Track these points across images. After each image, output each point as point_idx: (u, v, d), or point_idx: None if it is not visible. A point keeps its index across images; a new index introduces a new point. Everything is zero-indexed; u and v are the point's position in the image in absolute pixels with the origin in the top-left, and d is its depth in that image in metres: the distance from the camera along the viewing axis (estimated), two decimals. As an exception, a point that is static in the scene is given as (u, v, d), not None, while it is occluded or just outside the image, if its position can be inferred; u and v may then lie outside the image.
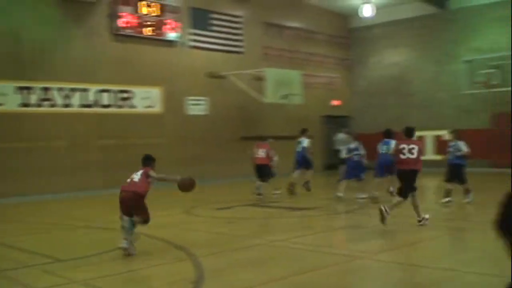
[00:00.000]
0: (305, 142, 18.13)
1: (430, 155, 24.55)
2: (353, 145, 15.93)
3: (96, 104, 19.87)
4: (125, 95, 20.66)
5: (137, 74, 20.96)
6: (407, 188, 10.67)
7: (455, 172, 13.67)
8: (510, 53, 21.55)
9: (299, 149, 18.15)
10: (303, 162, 17.91)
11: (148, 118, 21.29)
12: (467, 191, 13.82)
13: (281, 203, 15.26)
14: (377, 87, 28.49)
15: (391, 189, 14.92)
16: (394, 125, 26.84)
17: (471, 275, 7.04)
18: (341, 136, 22.28)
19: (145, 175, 8.92)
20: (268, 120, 25.06)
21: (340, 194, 15.53)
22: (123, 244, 8.56)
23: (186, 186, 8.85)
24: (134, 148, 20.53)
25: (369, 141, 24.31)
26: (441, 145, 24.67)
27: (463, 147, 13.77)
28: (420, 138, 22.97)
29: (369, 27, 28.64)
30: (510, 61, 21.54)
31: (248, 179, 22.68)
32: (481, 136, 23.77)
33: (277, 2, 25.91)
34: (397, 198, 10.83)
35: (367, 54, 29.04)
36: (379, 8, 26.91)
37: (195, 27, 22.74)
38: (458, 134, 14.16)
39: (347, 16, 29.23)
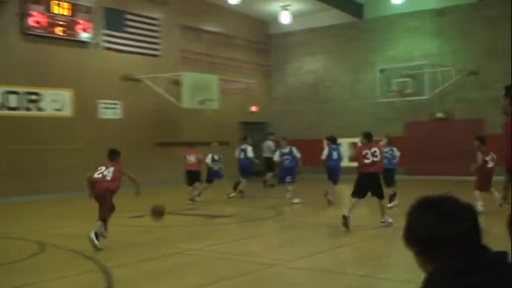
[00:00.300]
0: (249, 150, 19.17)
1: (346, 162, 25.15)
2: (286, 149, 16.73)
3: (2, 106, 19.05)
4: (33, 97, 19.93)
5: (47, 75, 20.28)
6: (380, 189, 11.41)
7: (388, 176, 14.25)
8: (425, 63, 22.44)
9: (241, 156, 19.10)
10: (248, 170, 18.57)
11: (57, 122, 20.62)
12: (393, 195, 14.48)
13: (199, 211, 15.17)
14: (295, 94, 28.95)
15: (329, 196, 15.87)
16: (310, 132, 27.60)
17: (386, 282, 7.24)
18: (268, 143, 22.70)
19: (118, 172, 9.77)
20: (185, 126, 24.90)
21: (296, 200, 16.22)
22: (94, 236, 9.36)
23: (157, 212, 9.85)
24: (42, 153, 19.84)
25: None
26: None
27: (397, 153, 15.17)
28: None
29: (288, 34, 29.09)
30: (423, 71, 22.44)
31: (164, 187, 22.43)
32: (395, 144, 24.56)
33: (195, 6, 25.83)
34: (353, 200, 11.17)
35: (285, 60, 29.46)
36: (297, 15, 27.39)
37: (109, 28, 22.28)
38: (391, 140, 15.55)
39: (266, 22, 29.56)
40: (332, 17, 27.34)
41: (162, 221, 9.99)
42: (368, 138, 11.89)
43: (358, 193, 11.43)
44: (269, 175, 21.37)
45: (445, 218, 2.08)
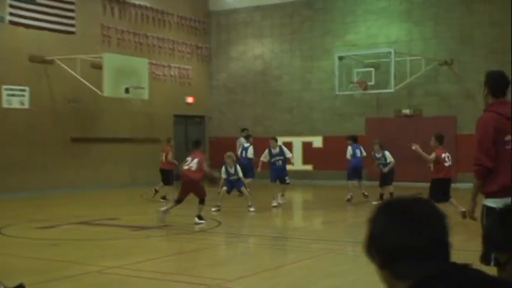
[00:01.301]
0: (250, 150, 20.84)
1: (299, 165, 25.34)
2: (276, 149, 18.16)
3: None
4: None
5: None
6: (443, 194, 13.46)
7: (390, 177, 17.90)
8: (392, 51, 22.71)
9: (242, 154, 20.79)
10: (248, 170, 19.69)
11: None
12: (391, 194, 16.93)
13: (121, 221, 14.95)
14: (239, 83, 28.91)
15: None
16: (258, 128, 27.65)
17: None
18: (242, 140, 22.89)
19: (201, 164, 13.39)
20: (106, 118, 24.51)
21: (277, 202, 17.64)
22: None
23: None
24: None
25: (229, 146, 24.64)
26: (311, 154, 25.59)
27: (390, 157, 18.02)
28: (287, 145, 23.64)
29: (231, 11, 29.02)
30: (388, 59, 22.72)
31: (79, 191, 22.04)
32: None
33: (121, -26, 25.48)
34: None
35: (228, 43, 29.38)
36: (243, -10, 27.42)
37: (15, -2, 21.71)
38: (383, 145, 18.21)
39: (206, -3, 29.46)
40: (284, -7, 27.43)
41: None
42: (441, 140, 14.36)
43: (438, 198, 12.49)
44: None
45: (417, 224, 2.10)
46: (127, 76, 22.20)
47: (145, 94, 23.01)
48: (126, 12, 25.76)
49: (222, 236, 12.79)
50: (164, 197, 19.16)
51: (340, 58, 23.72)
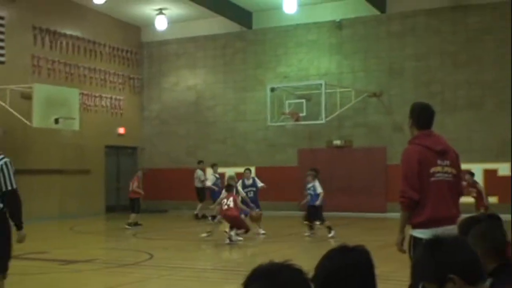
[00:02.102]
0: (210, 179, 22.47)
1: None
2: (249, 181, 18.75)
3: None
4: None
5: None
6: None
7: (314, 213, 17.21)
8: (322, 83, 23.01)
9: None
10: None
11: None
12: (329, 228, 16.88)
13: (49, 255, 14.57)
14: (172, 113, 28.76)
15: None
16: (191, 159, 27.52)
17: None
18: (199, 172, 23.08)
19: (235, 202, 15.98)
20: (36, 149, 23.95)
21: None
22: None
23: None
24: None
25: (162, 178, 24.43)
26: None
27: (319, 188, 17.37)
28: (221, 174, 23.59)
29: (164, 42, 28.94)
30: (319, 91, 23.00)
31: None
32: (288, 174, 25.06)
33: (52, 4, 25.08)
34: None
35: (160, 73, 29.27)
36: (175, 21, 27.36)
37: None
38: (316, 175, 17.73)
39: (139, 28, 29.30)
40: (216, 25, 27.55)
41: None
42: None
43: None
44: (199, 207, 22.94)
45: None
46: (57, 106, 21.85)
47: (75, 125, 22.67)
48: (57, 42, 25.38)
49: (152, 269, 12.59)
50: (134, 224, 20.49)
51: (272, 89, 23.87)
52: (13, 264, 13.14)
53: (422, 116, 6.22)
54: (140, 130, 29.22)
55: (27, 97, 21.71)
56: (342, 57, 25.55)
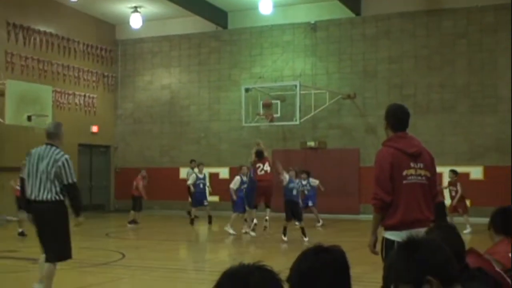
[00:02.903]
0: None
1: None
2: (245, 178, 18.63)
3: None
4: None
5: None
6: None
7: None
8: (297, 84, 23.05)
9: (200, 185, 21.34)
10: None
11: None
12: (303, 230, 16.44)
13: (21, 253, 14.44)
14: (146, 112, 28.66)
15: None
16: (164, 159, 27.46)
17: None
18: (190, 171, 22.94)
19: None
20: (8, 147, 23.71)
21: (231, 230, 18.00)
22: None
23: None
24: None
25: (135, 177, 24.30)
26: (218, 185, 25.52)
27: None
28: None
29: (138, 41, 28.83)
30: (294, 92, 23.05)
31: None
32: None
33: (26, 0, 24.87)
34: None
35: (135, 72, 29.14)
36: (150, 19, 27.27)
37: None
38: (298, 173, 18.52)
39: (113, 25, 29.14)
40: (191, 24, 27.52)
41: None
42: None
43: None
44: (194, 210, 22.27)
45: None
46: (30, 103, 21.66)
47: (48, 122, 22.43)
48: (30, 38, 25.16)
49: (124, 269, 12.53)
50: (132, 221, 21.13)
51: (247, 90, 23.86)
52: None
53: (396, 118, 6.22)
54: (113, 128, 29.07)
55: (0, 93, 21.49)
56: (317, 59, 25.65)
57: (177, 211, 25.16)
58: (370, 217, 6.57)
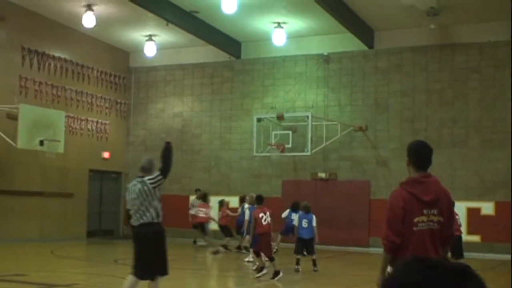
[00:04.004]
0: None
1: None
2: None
3: None
4: None
5: None
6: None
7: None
8: (309, 115, 23.13)
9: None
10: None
11: None
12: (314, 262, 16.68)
13: (29, 277, 14.43)
14: (158, 140, 28.70)
15: None
16: (175, 186, 27.45)
17: None
18: (194, 200, 23.10)
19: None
20: (19, 171, 23.82)
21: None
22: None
23: None
24: None
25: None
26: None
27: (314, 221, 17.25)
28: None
29: (152, 69, 29.02)
30: (306, 123, 23.13)
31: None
32: (273, 204, 24.99)
33: (41, 26, 25.09)
34: None
35: (147, 99, 29.29)
36: (164, 48, 27.46)
37: None
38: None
39: (127, 53, 29.37)
40: (205, 54, 27.68)
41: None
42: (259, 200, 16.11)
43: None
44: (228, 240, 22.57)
45: None
46: (42, 128, 21.80)
47: (60, 147, 22.58)
48: (45, 63, 25.39)
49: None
50: (224, 246, 21.95)
51: (259, 120, 23.96)
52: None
53: (418, 156, 6.10)
54: (125, 155, 29.15)
55: (13, 117, 21.64)
56: (329, 90, 25.72)
57: (190, 239, 25.08)
58: (379, 250, 6.54)
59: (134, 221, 9.60)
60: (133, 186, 9.63)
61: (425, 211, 5.91)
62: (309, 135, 22.79)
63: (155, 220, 9.59)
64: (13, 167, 23.62)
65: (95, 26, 24.02)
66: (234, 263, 19.62)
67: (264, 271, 15.11)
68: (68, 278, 14.58)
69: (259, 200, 16.25)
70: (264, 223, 15.34)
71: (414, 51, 24.41)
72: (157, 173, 9.64)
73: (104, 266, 17.90)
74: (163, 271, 9.72)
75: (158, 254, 9.57)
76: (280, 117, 23.42)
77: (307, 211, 17.47)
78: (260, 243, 15.37)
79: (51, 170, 24.79)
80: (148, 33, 26.46)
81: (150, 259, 9.50)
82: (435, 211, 5.95)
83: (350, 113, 25.29)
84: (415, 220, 5.89)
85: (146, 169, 9.75)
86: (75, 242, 24.48)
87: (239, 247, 21.78)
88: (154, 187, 9.55)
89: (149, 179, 9.55)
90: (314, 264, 16.65)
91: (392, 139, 24.20)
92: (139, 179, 9.62)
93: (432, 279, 2.18)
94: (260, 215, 15.50)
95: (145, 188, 9.50)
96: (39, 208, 24.48)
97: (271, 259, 15.10)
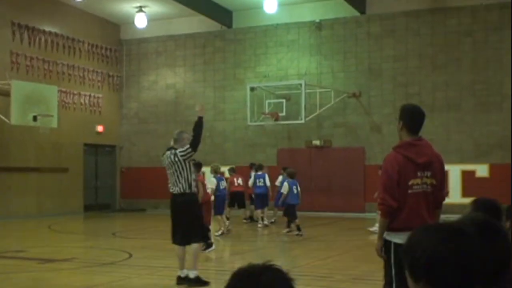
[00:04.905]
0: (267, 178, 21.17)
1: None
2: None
3: None
4: None
5: None
6: None
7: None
8: (302, 83, 23.15)
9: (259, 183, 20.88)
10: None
11: None
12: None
13: (28, 253, 14.53)
14: (151, 112, 28.75)
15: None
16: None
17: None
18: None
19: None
20: (13, 147, 23.84)
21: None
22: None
23: None
24: None
25: (140, 176, 24.38)
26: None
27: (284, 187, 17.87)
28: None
29: (143, 40, 28.91)
30: (299, 91, 23.15)
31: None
32: (268, 173, 25.13)
33: (31, 0, 24.95)
34: None
35: (140, 71, 29.22)
36: (155, 19, 27.33)
37: None
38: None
39: (118, 25, 29.23)
40: (196, 24, 27.59)
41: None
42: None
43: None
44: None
45: None
46: (35, 103, 21.76)
47: (54, 122, 22.57)
48: (35, 38, 25.25)
49: (131, 268, 12.61)
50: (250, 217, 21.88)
51: (252, 89, 23.97)
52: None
53: (412, 120, 6.08)
54: (118, 128, 29.16)
55: (5, 94, 21.59)
56: (322, 58, 25.69)
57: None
58: (373, 215, 6.61)
59: (170, 190, 10.35)
60: (166, 157, 10.29)
61: (419, 173, 5.95)
62: (303, 103, 22.83)
63: (187, 191, 10.10)
64: (8, 144, 23.63)
65: (84, -1, 23.86)
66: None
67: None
68: (67, 253, 14.69)
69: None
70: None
71: (406, 16, 24.35)
72: (187, 145, 10.15)
73: (103, 239, 18.03)
74: (197, 239, 10.32)
75: (190, 223, 10.13)
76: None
77: (294, 177, 18.12)
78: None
79: (45, 146, 24.80)
80: (138, 4, 26.32)
81: (183, 227, 10.09)
82: (429, 174, 6.00)
83: (343, 79, 25.30)
84: (410, 183, 5.93)
85: (176, 140, 10.38)
86: (72, 217, 24.61)
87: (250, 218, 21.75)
88: (184, 159, 10.10)
89: (180, 151, 10.12)
90: (299, 229, 17.37)
91: (385, 104, 24.23)
92: (172, 151, 10.24)
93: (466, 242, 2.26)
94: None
95: (176, 159, 10.11)
96: (36, 184, 24.55)
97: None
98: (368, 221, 19.69)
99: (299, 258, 14.27)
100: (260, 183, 20.66)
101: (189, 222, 10.16)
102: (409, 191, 5.94)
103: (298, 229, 17.37)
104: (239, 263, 2.35)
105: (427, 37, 24.08)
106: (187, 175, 10.18)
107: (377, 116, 24.29)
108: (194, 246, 10.26)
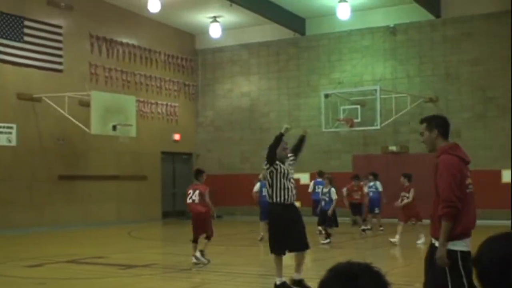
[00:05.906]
0: (378, 184, 21.23)
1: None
2: (326, 189, 18.28)
3: None
4: None
5: None
6: None
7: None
8: (377, 88, 22.80)
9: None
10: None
11: None
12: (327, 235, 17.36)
13: (108, 259, 14.74)
14: (226, 120, 28.90)
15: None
16: (245, 165, 27.57)
17: None
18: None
19: (201, 196, 12.75)
20: (93, 156, 24.35)
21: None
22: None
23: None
24: None
25: (216, 184, 24.49)
26: (298, 190, 25.46)
27: (334, 195, 17.78)
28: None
29: (218, 50, 29.12)
30: (374, 97, 22.82)
31: (67, 229, 21.78)
32: (344, 180, 24.85)
33: (108, 13, 25.47)
34: None
35: (215, 80, 29.44)
36: (229, 29, 27.48)
37: (2, 36, 21.65)
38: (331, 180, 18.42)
39: (193, 35, 29.54)
40: (270, 32, 27.59)
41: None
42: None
43: None
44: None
45: None
46: (114, 113, 22.13)
47: (132, 132, 22.92)
48: (113, 50, 25.78)
49: (210, 274, 12.61)
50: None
51: (326, 95, 23.79)
52: (73, 268, 13.42)
53: (446, 128, 6.25)
54: (195, 136, 29.44)
55: (85, 104, 22.07)
56: (397, 63, 25.29)
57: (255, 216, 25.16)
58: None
59: (282, 199, 10.74)
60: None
61: (468, 173, 6.05)
62: (378, 109, 22.48)
63: (269, 200, 10.76)
64: (88, 153, 24.15)
65: (160, 10, 24.16)
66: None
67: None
68: (147, 259, 14.84)
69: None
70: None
71: (482, 18, 23.71)
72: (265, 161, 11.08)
73: (180, 245, 18.10)
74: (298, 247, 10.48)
75: (304, 228, 10.58)
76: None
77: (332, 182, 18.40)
78: None
79: (124, 154, 25.23)
80: (212, 14, 26.51)
81: (301, 233, 10.49)
82: (469, 174, 6.09)
83: (419, 84, 24.83)
84: (467, 182, 5.97)
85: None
86: (151, 223, 24.93)
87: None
88: (269, 171, 10.98)
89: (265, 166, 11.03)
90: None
91: (464, 108, 23.63)
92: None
93: None
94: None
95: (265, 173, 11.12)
96: (115, 191, 25.00)
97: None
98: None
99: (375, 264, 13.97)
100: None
101: (304, 227, 10.60)
102: (467, 191, 5.94)
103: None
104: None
105: (505, 40, 23.33)
106: (268, 187, 11.04)
107: (455, 121, 23.64)
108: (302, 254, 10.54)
